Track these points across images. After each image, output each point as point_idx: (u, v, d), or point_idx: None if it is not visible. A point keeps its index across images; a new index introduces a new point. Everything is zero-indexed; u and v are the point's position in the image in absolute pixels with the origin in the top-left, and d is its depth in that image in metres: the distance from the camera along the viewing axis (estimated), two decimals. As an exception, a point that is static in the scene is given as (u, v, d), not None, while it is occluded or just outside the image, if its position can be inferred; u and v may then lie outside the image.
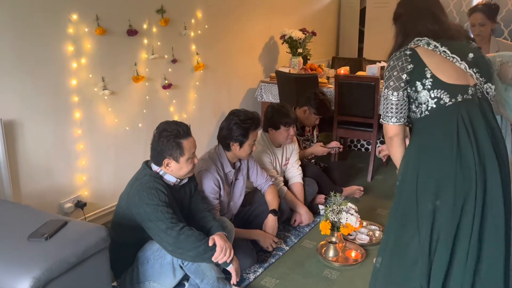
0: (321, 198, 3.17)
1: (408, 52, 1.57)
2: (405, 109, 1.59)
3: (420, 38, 1.58)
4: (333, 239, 2.56)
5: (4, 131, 2.27)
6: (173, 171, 2.03)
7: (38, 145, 2.50)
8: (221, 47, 3.84)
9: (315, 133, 3.53)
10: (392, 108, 1.58)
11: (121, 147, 3.01)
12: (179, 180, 2.08)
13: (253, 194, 2.80)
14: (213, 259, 1.92)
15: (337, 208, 2.47)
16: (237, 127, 2.40)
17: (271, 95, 4.21)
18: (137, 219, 1.94)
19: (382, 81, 3.69)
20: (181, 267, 1.99)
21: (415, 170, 1.58)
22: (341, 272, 2.40)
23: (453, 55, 1.55)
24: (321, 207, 2.91)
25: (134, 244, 2.06)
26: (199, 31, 3.53)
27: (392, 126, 1.61)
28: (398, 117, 1.59)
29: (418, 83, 1.54)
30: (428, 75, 1.53)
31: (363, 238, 2.70)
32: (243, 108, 2.54)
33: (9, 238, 1.65)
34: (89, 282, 1.72)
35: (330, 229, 2.45)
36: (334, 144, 3.39)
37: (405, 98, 1.58)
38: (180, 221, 1.93)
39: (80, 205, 2.75)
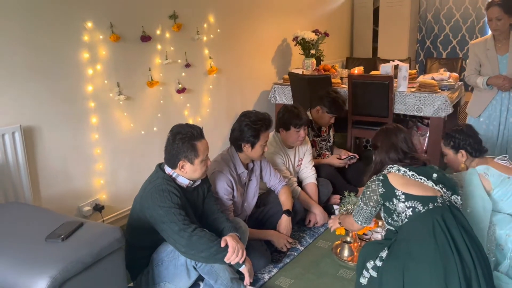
0: (336, 198, 3.15)
1: (381, 178, 1.94)
2: (371, 218, 2.05)
3: (392, 165, 1.96)
4: (348, 239, 2.55)
5: (23, 137, 2.34)
6: (187, 173, 2.06)
7: (57, 150, 2.57)
8: (234, 50, 3.87)
9: (331, 133, 3.51)
10: (364, 216, 2.04)
11: (137, 150, 3.07)
12: (192, 182, 2.11)
13: (267, 195, 2.81)
14: (225, 260, 1.94)
15: (351, 207, 2.46)
16: (248, 128, 2.41)
17: (285, 97, 4.22)
18: (151, 222, 1.98)
19: (396, 79, 3.69)
20: (195, 268, 2.02)
21: (400, 274, 1.77)
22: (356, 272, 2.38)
23: (421, 177, 1.90)
24: (335, 207, 2.88)
25: (149, 246, 2.09)
26: (211, 35, 3.58)
27: (359, 226, 2.12)
28: (364, 223, 2.08)
29: (393, 199, 1.89)
30: (399, 193, 1.87)
31: (378, 238, 2.68)
32: (254, 110, 2.56)
33: (28, 239, 1.71)
34: (105, 282, 1.76)
35: (345, 228, 2.45)
36: (345, 154, 3.38)
37: (373, 212, 2.01)
38: (192, 223, 1.96)
39: (98, 208, 2.81)
